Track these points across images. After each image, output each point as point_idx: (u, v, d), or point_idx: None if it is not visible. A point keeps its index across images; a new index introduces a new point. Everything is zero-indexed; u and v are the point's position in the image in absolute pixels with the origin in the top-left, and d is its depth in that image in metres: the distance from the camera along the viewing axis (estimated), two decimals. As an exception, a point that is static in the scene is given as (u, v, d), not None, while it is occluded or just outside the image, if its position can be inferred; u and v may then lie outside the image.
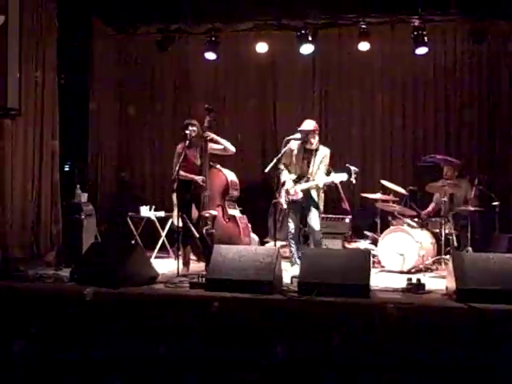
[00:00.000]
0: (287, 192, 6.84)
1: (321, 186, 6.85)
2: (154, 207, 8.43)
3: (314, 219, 6.82)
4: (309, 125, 6.89)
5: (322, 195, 6.99)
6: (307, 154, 6.93)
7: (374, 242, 7.80)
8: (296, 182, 6.90)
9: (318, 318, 4.75)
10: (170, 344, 4.85)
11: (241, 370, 4.73)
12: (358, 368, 4.58)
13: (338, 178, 6.78)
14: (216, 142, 6.81)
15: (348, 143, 9.80)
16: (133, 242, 8.05)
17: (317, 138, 6.93)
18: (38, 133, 8.06)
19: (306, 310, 4.83)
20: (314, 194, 6.85)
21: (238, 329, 4.80)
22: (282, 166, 6.87)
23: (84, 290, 5.13)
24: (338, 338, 4.63)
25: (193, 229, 6.46)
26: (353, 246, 8.04)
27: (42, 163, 8.15)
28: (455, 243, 7.23)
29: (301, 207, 6.94)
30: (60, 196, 8.38)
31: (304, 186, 6.82)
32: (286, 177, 6.91)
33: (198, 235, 6.47)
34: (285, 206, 6.91)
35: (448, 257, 6.79)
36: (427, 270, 7.06)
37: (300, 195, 6.81)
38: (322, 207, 6.98)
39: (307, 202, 6.88)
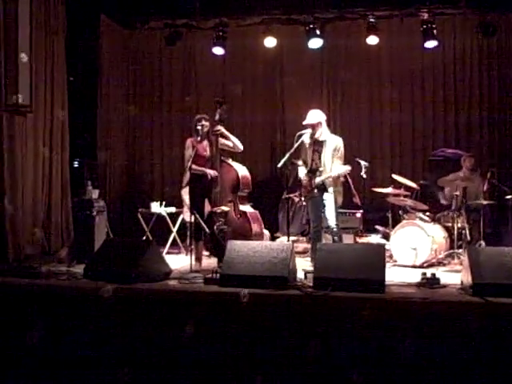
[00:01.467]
0: (304, 187, 6.70)
1: (334, 176, 6.54)
2: (164, 203, 8.43)
3: (330, 214, 6.58)
4: (312, 118, 6.66)
5: (341, 188, 6.75)
6: (317, 146, 6.70)
7: (386, 237, 7.79)
8: (310, 176, 6.69)
9: (334, 314, 4.75)
10: (185, 340, 4.86)
11: (255, 366, 4.75)
12: (375, 364, 4.59)
13: (344, 168, 6.56)
14: (226, 138, 6.76)
15: (357, 137, 9.79)
16: (143, 238, 8.05)
17: (324, 128, 6.69)
18: (47, 130, 8.02)
19: (321, 305, 4.82)
20: (329, 187, 6.59)
21: (253, 325, 4.81)
22: (300, 162, 6.81)
23: (102, 287, 5.12)
24: (354, 333, 4.64)
25: (203, 225, 6.39)
26: (364, 240, 8.03)
27: (51, 160, 8.13)
28: (468, 237, 7.19)
29: (319, 202, 6.70)
30: (70, 192, 8.38)
31: (318, 179, 6.58)
32: (302, 173, 6.78)
33: (209, 231, 6.42)
34: (303, 203, 6.79)
35: (461, 251, 6.77)
36: (440, 264, 7.02)
37: (314, 190, 6.59)
38: (340, 201, 6.75)
39: (323, 196, 6.63)
